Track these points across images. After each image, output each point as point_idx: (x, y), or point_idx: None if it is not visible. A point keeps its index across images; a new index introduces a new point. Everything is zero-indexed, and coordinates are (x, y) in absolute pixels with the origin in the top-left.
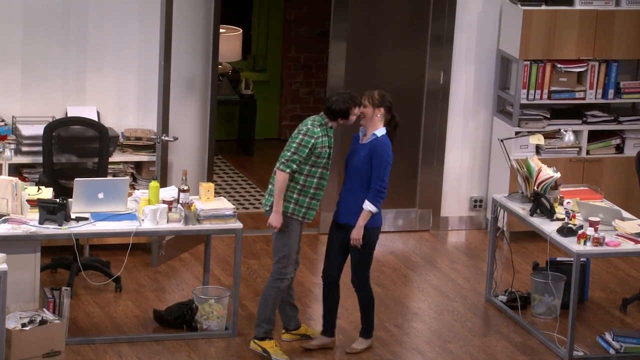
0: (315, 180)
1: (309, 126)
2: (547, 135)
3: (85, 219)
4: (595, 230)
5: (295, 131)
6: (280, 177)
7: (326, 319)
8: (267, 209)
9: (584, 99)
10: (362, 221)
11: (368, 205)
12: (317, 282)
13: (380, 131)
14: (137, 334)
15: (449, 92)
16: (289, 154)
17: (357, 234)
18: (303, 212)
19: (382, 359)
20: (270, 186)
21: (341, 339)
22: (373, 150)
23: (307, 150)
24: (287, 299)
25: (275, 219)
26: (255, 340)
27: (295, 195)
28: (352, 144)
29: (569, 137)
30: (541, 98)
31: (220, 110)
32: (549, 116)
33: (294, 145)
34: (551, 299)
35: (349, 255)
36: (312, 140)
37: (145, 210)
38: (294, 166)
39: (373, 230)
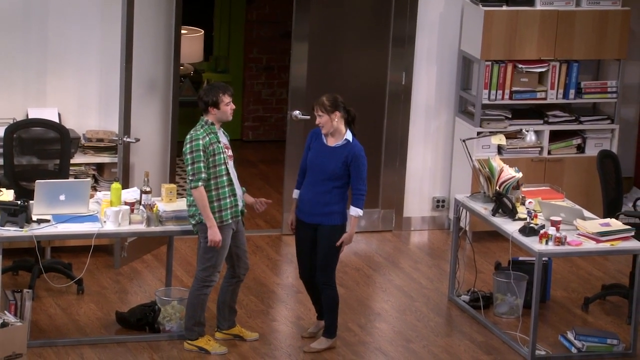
0: (224, 178)
1: (191, 133)
2: (509, 136)
3: (47, 221)
4: (557, 229)
5: (183, 148)
6: (197, 194)
7: (316, 305)
8: (192, 226)
9: (545, 99)
10: (354, 228)
11: (357, 212)
12: (280, 284)
13: (349, 134)
14: (100, 336)
15: (411, 92)
16: (190, 167)
17: (350, 240)
18: (232, 213)
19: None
20: (189, 207)
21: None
22: (352, 158)
23: (202, 153)
24: (228, 302)
25: (213, 234)
26: (189, 342)
27: (215, 204)
28: (313, 141)
29: (531, 137)
30: (502, 98)
31: (182, 111)
32: (510, 116)
33: (189, 157)
34: (513, 299)
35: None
36: (200, 142)
37: (107, 212)
38: (203, 175)
39: (344, 227)
